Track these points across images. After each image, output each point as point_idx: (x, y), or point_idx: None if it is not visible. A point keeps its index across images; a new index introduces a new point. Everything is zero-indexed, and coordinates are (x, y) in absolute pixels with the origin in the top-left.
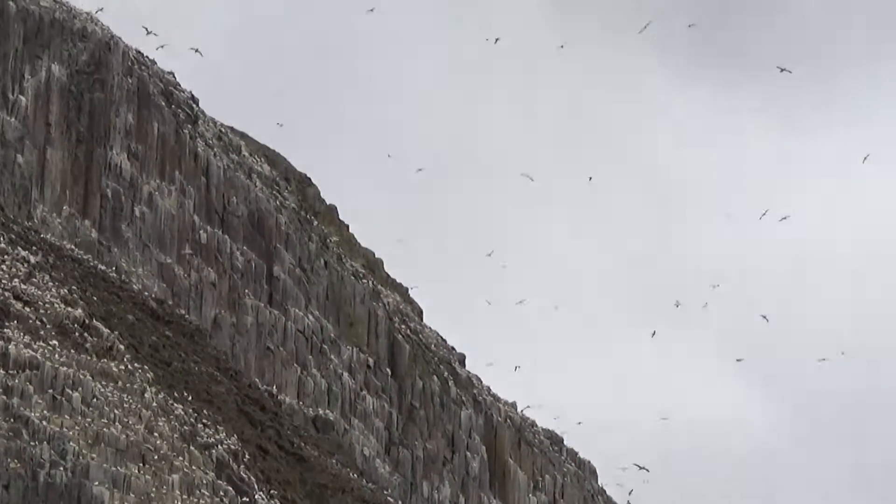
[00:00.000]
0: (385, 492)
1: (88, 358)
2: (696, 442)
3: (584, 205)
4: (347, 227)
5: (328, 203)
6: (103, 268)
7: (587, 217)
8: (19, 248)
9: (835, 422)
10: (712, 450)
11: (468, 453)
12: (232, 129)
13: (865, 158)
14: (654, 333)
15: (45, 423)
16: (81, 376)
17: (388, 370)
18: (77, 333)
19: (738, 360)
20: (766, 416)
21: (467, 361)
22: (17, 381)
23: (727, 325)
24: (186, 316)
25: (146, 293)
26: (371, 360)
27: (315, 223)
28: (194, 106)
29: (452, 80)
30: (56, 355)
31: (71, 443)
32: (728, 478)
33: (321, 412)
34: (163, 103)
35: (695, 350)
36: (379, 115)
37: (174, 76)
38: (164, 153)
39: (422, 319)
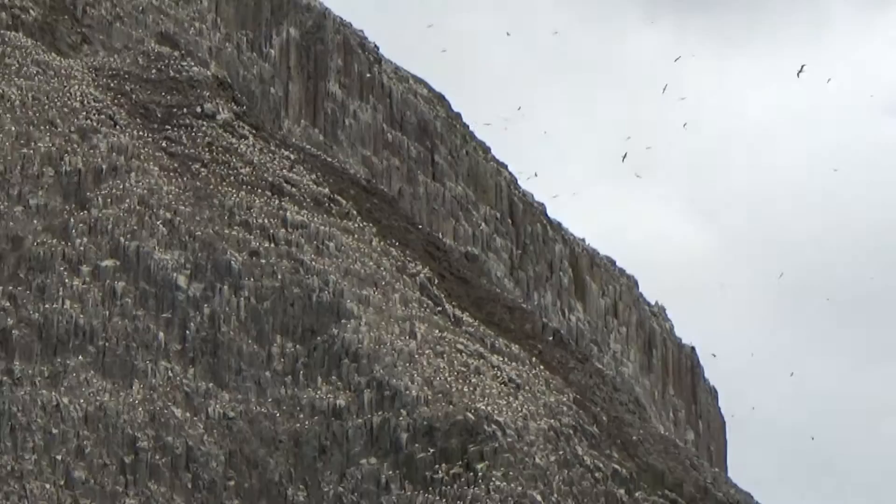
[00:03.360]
0: (520, 300)
1: (335, 220)
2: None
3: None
4: (467, 126)
5: (455, 111)
6: (330, 159)
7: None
8: (283, 150)
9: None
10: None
11: (560, 273)
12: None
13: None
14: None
15: (313, 263)
16: (333, 232)
17: (510, 220)
18: (326, 204)
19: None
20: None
21: None
22: (293, 236)
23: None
24: (385, 189)
25: (358, 175)
26: (498, 214)
27: (457, 126)
28: (378, 51)
29: None
30: (316, 218)
31: (331, 275)
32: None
33: (470, 249)
34: (359, 51)
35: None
36: None
37: (363, 33)
38: (361, 84)
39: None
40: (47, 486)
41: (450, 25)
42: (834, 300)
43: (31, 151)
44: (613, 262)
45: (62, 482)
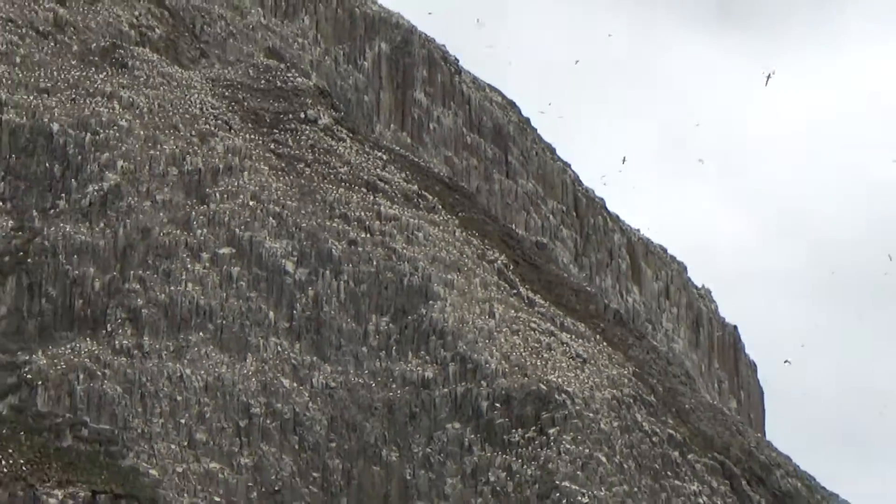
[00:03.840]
0: (584, 284)
1: (423, 213)
2: None
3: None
4: (536, 129)
5: (525, 116)
6: (416, 159)
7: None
8: (376, 151)
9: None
10: None
11: (619, 259)
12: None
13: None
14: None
15: (404, 251)
16: (421, 223)
17: (574, 213)
18: (415, 199)
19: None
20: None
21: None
22: (387, 227)
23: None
24: (465, 186)
25: (442, 173)
26: (563, 208)
27: (527, 129)
28: (458, 63)
29: None
30: (406, 211)
31: (420, 262)
32: None
33: (539, 238)
34: (441, 63)
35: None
36: None
37: (445, 47)
38: (443, 92)
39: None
40: (172, 446)
41: (501, 24)
42: (871, 286)
43: (158, 153)
44: (665, 250)
45: (185, 443)
